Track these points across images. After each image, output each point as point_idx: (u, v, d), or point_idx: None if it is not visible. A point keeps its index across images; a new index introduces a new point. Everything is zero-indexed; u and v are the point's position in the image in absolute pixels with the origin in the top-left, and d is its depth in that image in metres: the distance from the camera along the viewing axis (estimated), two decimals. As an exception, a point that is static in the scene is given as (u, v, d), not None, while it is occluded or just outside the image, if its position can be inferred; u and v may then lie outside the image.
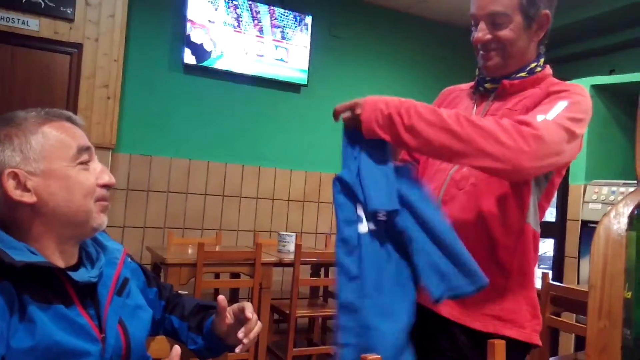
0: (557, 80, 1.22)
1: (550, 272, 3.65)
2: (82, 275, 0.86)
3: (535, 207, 1.20)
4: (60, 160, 0.85)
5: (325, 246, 3.88)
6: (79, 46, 3.37)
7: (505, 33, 1.17)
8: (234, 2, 3.88)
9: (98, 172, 0.90)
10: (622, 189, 3.33)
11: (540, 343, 1.21)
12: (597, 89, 3.59)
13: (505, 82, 1.22)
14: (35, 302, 0.78)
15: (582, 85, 1.20)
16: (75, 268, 0.89)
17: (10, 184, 0.82)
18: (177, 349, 0.85)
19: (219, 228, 3.92)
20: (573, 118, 1.08)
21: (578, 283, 3.47)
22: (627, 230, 1.10)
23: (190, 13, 3.72)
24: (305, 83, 4.18)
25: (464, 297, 1.00)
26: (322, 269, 3.65)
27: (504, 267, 1.16)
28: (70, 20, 3.33)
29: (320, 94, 4.28)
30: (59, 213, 0.84)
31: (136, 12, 3.65)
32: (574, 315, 2.91)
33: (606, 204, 3.40)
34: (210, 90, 3.90)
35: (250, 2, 3.94)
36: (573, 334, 3.30)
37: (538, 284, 2.38)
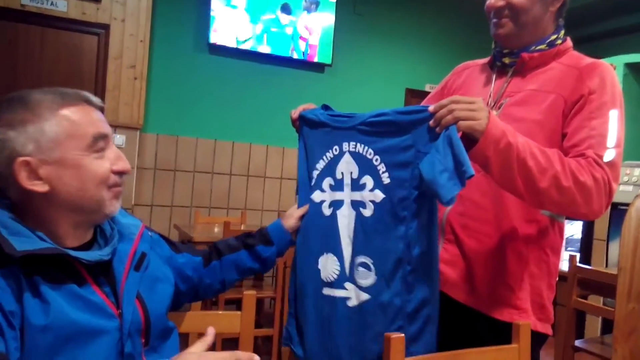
0: (580, 56, 1.17)
1: (578, 255, 3.60)
2: (93, 255, 0.85)
3: None
4: (74, 149, 0.82)
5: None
6: (106, 27, 3.41)
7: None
8: (259, -19, 3.86)
9: (113, 158, 0.87)
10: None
11: (551, 333, 1.19)
12: (630, 67, 3.48)
13: (525, 55, 1.16)
14: (47, 283, 0.78)
15: (610, 65, 1.15)
16: (88, 246, 0.88)
17: (22, 173, 0.80)
18: (212, 329, 0.87)
19: (244, 207, 3.97)
20: (621, 137, 1.07)
21: (606, 266, 3.42)
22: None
23: (215, -8, 3.72)
24: (330, 63, 4.16)
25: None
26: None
27: (522, 255, 1.13)
28: (97, 1, 3.37)
29: (345, 74, 4.26)
30: (71, 201, 0.83)
31: (162, -7, 3.67)
32: (601, 298, 2.87)
33: (638, 185, 3.32)
34: (235, 70, 3.92)
35: (274, -19, 3.92)
36: (600, 317, 3.27)
37: (565, 266, 2.35)
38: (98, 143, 0.85)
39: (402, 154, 1.03)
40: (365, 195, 1.08)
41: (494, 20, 1.18)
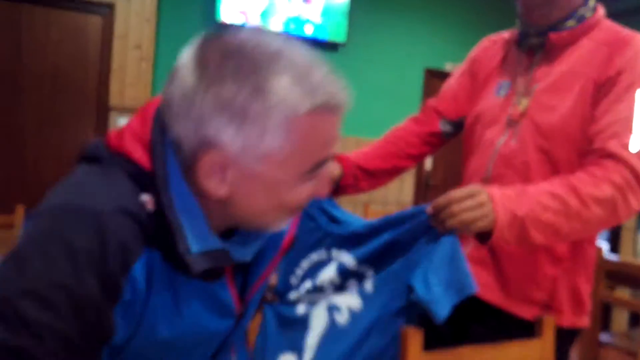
0: (613, 29, 1.06)
1: (605, 245, 3.46)
2: (246, 253, 0.69)
3: None
4: (285, 171, 0.62)
5: (365, 217, 3.80)
6: (111, 5, 3.35)
7: None
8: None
9: (321, 179, 0.67)
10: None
11: (587, 324, 1.14)
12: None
13: (552, 35, 1.07)
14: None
15: None
16: (227, 236, 0.70)
17: (208, 165, 0.60)
18: None
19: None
20: None
21: (636, 256, 3.28)
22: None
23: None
24: (344, 42, 4.03)
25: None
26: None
27: (554, 254, 1.08)
28: (102, -21, 3.30)
29: (359, 53, 4.13)
30: (242, 214, 0.65)
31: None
32: (629, 290, 2.76)
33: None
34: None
35: (286, -43, 3.80)
36: (627, 310, 3.14)
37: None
38: (320, 167, 0.65)
39: (392, 264, 0.97)
40: (344, 302, 0.99)
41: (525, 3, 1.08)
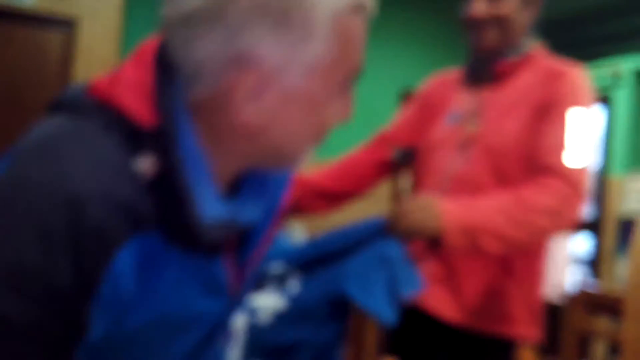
0: (550, 63, 1.21)
1: (583, 271, 3.44)
2: (244, 215, 0.58)
3: None
4: (326, 83, 0.55)
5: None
6: (74, 23, 3.29)
7: (503, 8, 1.16)
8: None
9: (347, 101, 0.60)
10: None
11: (539, 335, 1.24)
12: (639, 73, 3.40)
13: (498, 66, 1.21)
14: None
15: (578, 70, 1.19)
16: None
17: (244, 87, 0.50)
18: None
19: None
20: (588, 139, 1.12)
21: (615, 283, 3.27)
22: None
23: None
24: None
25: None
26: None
27: (508, 267, 1.18)
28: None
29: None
30: (273, 146, 0.56)
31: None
32: (607, 319, 2.74)
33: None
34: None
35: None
36: (605, 340, 3.10)
37: (569, 283, 2.20)
38: (352, 78, 0.59)
39: (327, 268, 0.97)
40: (265, 302, 0.97)
41: (477, 31, 1.20)
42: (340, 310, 0.94)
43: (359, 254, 0.95)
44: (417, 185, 1.30)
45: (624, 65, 3.47)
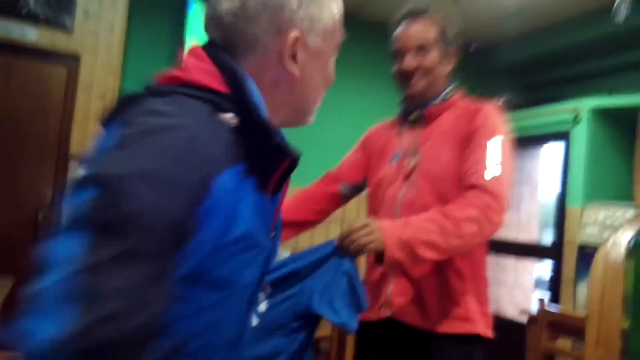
0: (470, 103, 1.44)
1: (547, 296, 3.65)
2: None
3: None
4: (331, 43, 0.78)
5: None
6: (76, 57, 3.39)
7: (428, 61, 1.40)
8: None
9: (333, 67, 0.82)
10: (620, 212, 3.35)
11: (492, 336, 1.41)
12: (595, 111, 3.62)
13: (426, 111, 1.45)
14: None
15: (493, 106, 1.40)
16: None
17: (289, 48, 0.72)
18: None
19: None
20: (505, 158, 1.29)
21: (575, 307, 3.46)
22: (624, 260, 1.11)
23: (191, 26, 3.75)
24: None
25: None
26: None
27: (461, 272, 1.37)
28: (69, 31, 3.35)
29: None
30: (303, 97, 0.77)
31: (136, 25, 3.68)
32: (570, 341, 2.90)
33: (604, 227, 3.41)
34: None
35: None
36: (568, 359, 3.29)
37: (534, 307, 2.34)
38: (339, 46, 0.82)
39: (291, 288, 1.12)
40: None
41: (407, 81, 1.42)
42: (308, 321, 1.09)
43: (319, 272, 1.12)
44: (372, 213, 1.49)
45: (583, 105, 3.68)
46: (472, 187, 1.25)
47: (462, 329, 1.35)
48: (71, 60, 3.38)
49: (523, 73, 4.82)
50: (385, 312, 1.40)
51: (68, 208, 0.53)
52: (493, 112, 1.38)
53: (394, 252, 1.14)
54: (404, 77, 1.43)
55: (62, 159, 3.36)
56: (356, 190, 1.62)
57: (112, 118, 0.64)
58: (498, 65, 4.77)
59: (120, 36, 3.52)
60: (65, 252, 0.50)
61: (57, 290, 0.48)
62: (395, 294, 1.39)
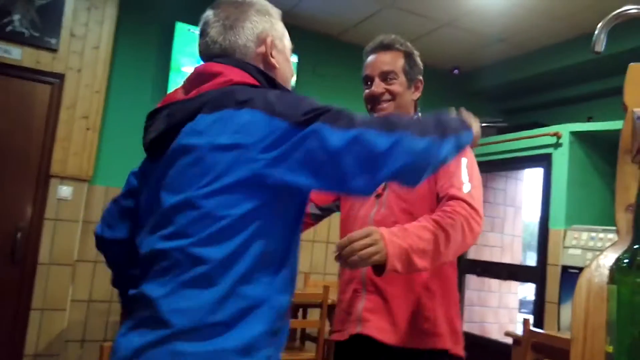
0: None
1: (531, 317, 3.66)
2: None
3: None
4: (288, 46, 1.14)
5: (304, 285, 3.84)
6: (61, 76, 3.36)
7: (395, 87, 1.52)
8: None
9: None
10: (602, 235, 3.40)
11: (463, 355, 1.46)
12: (576, 135, 3.69)
13: None
14: None
15: None
16: None
17: (269, 47, 1.06)
18: None
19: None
20: (471, 174, 1.39)
21: (559, 329, 3.48)
22: (608, 283, 1.12)
23: (177, 46, 3.76)
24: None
25: None
26: (300, 310, 3.60)
27: (430, 290, 1.44)
28: (54, 50, 3.33)
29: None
30: (282, 79, 1.10)
31: (122, 45, 3.67)
32: None
33: (586, 249, 3.45)
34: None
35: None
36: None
37: (519, 329, 2.35)
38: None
39: None
40: None
41: (376, 105, 1.53)
42: None
43: None
44: (346, 231, 1.45)
45: (563, 130, 3.75)
46: (452, 198, 1.32)
47: (430, 344, 1.40)
48: (55, 79, 3.35)
49: (504, 98, 4.91)
50: (356, 329, 1.43)
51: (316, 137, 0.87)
52: None
53: (395, 262, 1.15)
54: (373, 101, 1.54)
55: (43, 177, 3.31)
56: (326, 211, 1.68)
57: (218, 106, 0.92)
58: (480, 90, 4.85)
59: (106, 56, 3.51)
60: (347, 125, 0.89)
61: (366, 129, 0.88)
62: (367, 310, 1.43)
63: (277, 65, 1.08)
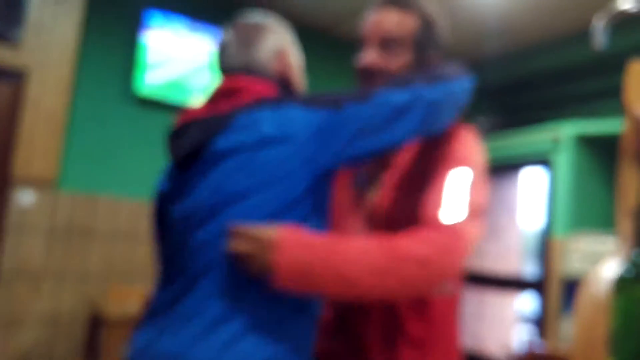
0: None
1: (531, 330, 3.68)
2: None
3: None
4: (299, 57, 1.28)
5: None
6: (24, 73, 3.32)
7: (396, 62, 1.19)
8: (194, 34, 3.93)
9: None
10: (604, 245, 3.41)
11: None
12: (579, 139, 3.71)
13: None
14: None
15: (472, 132, 1.22)
16: None
17: (286, 62, 1.22)
18: None
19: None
20: (475, 201, 1.10)
21: (561, 342, 3.50)
22: (609, 294, 1.13)
23: (147, 44, 3.74)
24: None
25: None
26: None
27: (410, 338, 1.15)
28: (17, 45, 3.29)
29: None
30: (296, 86, 1.25)
31: (90, 41, 3.64)
32: None
33: (590, 258, 3.47)
34: (165, 124, 3.87)
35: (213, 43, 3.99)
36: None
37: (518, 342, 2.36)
38: None
39: None
40: None
41: (366, 83, 1.22)
42: None
43: None
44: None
45: (564, 130, 3.75)
46: (425, 222, 1.06)
47: None
48: (17, 76, 3.31)
49: (503, 95, 4.95)
50: None
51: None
52: (467, 138, 1.20)
53: (286, 274, 0.95)
54: (363, 76, 1.21)
55: (2, 180, 3.26)
56: None
57: (255, 110, 1.06)
58: (477, 87, 4.88)
59: (72, 52, 3.47)
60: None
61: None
62: (333, 357, 1.20)
63: (294, 79, 1.24)
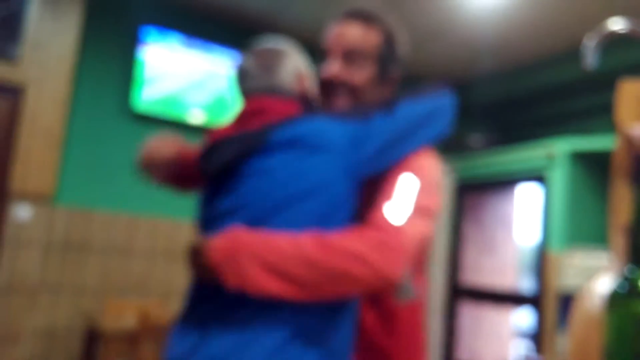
0: None
1: (528, 345, 3.67)
2: None
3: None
4: (312, 76, 1.28)
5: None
6: (21, 89, 3.34)
7: (358, 76, 1.19)
8: (190, 51, 3.96)
9: None
10: (599, 260, 3.43)
11: None
12: (573, 155, 3.73)
13: None
14: None
15: (431, 151, 1.18)
16: None
17: (305, 83, 1.23)
18: None
19: (167, 293, 3.83)
20: (423, 203, 1.06)
21: (556, 355, 3.49)
22: (603, 310, 1.15)
23: (143, 60, 3.77)
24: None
25: None
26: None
27: (382, 350, 1.13)
28: (14, 61, 3.32)
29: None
30: (314, 100, 1.28)
31: (87, 57, 3.67)
32: None
33: (584, 274, 3.48)
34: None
35: (208, 54, 4.03)
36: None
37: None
38: None
39: None
40: None
41: (329, 96, 1.22)
42: None
43: None
44: None
45: (558, 146, 3.78)
46: (367, 223, 1.02)
47: None
48: (16, 91, 3.33)
49: (496, 113, 4.99)
50: None
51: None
52: (425, 154, 1.15)
53: (222, 270, 0.96)
54: (325, 87, 1.22)
55: (1, 195, 3.27)
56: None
57: (288, 125, 1.11)
58: (471, 104, 4.93)
59: (69, 67, 3.50)
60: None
61: None
62: None
63: (314, 98, 1.27)
